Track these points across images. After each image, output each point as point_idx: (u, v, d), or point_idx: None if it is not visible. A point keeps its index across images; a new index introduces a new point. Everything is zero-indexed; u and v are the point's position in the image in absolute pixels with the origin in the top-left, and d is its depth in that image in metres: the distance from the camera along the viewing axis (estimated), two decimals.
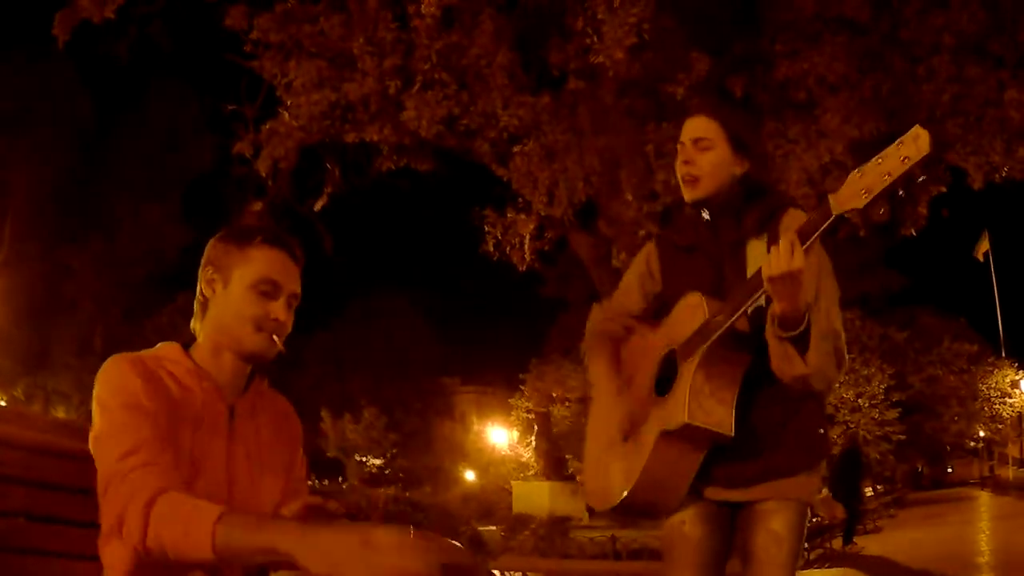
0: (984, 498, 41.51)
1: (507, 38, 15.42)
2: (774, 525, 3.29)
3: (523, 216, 16.80)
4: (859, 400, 47.33)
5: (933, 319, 56.93)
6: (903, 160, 2.72)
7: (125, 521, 2.17)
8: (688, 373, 3.16)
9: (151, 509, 2.14)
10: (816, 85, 14.50)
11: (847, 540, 19.03)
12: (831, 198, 2.88)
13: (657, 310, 3.58)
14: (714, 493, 3.39)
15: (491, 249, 17.46)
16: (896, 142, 2.73)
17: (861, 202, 2.85)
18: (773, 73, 14.85)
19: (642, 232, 14.81)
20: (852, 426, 47.78)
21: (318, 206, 18.58)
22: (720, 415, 3.14)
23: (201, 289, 2.63)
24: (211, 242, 2.67)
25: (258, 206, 18.14)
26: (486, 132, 15.61)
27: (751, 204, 3.37)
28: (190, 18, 18.65)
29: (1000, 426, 57.17)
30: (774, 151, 14.46)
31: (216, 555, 2.05)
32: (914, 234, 16.80)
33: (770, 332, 3.07)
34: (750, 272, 3.18)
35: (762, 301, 3.09)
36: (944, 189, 16.41)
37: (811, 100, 14.65)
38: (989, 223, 53.86)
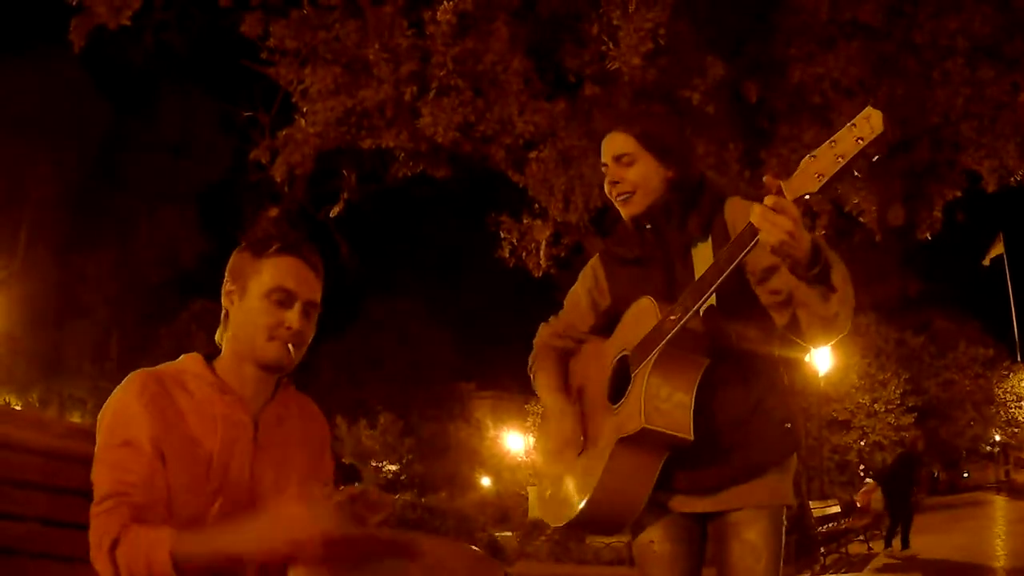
0: (1000, 502, 41.36)
1: (522, 44, 15.43)
2: (749, 535, 3.19)
3: (539, 222, 16.81)
4: (875, 405, 47.20)
5: (948, 323, 56.74)
6: (856, 141, 2.68)
7: (97, 567, 2.27)
8: (643, 377, 3.07)
9: (115, 551, 2.24)
10: (831, 89, 14.50)
11: (904, 544, 18.97)
12: (783, 185, 2.80)
13: (606, 325, 3.49)
14: (680, 504, 3.28)
15: (507, 255, 17.47)
16: (849, 124, 2.72)
17: (815, 186, 2.76)
18: (787, 77, 14.85)
19: None
20: (868, 431, 47.70)
21: (334, 212, 18.60)
22: (678, 418, 3.04)
23: (223, 300, 2.65)
24: (235, 255, 2.68)
25: (274, 212, 18.15)
26: (502, 138, 15.61)
27: (691, 207, 3.30)
28: (205, 24, 18.69)
29: (1016, 430, 56.94)
30: (789, 155, 14.46)
31: (178, 572, 2.19)
32: (929, 238, 16.79)
33: (794, 284, 2.94)
34: (698, 275, 3.09)
35: (713, 300, 3.04)
36: (959, 193, 16.41)
37: (826, 104, 14.65)
38: (1004, 226, 53.61)
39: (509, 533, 30.41)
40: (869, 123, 2.67)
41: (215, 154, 46.22)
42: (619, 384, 3.21)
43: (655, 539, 3.32)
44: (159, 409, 2.42)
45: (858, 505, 19.08)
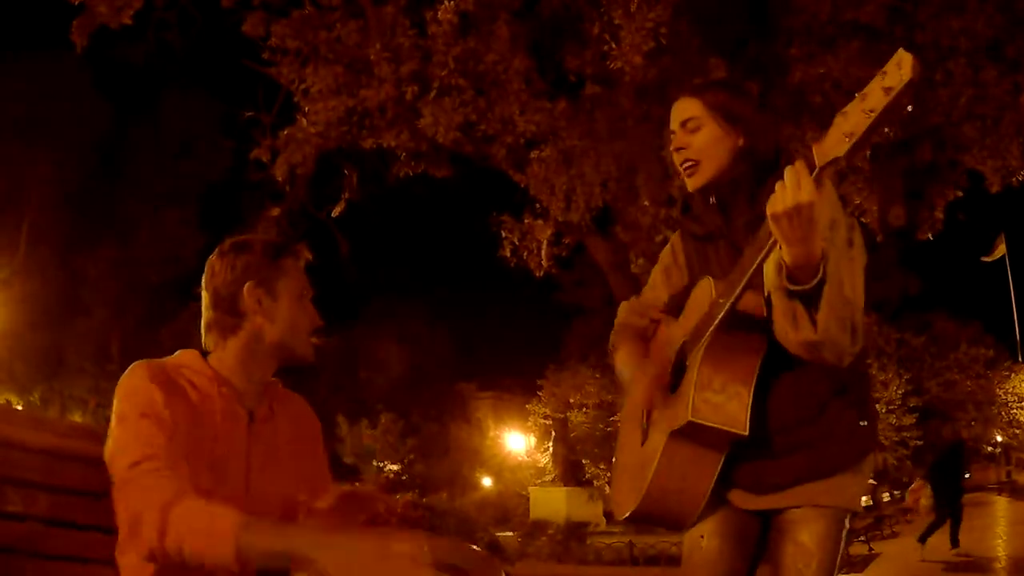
0: (1002, 503, 41.36)
1: (524, 44, 15.44)
2: (802, 537, 2.94)
3: (540, 222, 16.80)
4: (876, 405, 47.23)
5: (950, 324, 56.72)
6: (886, 91, 2.39)
7: (142, 523, 2.19)
8: (694, 367, 2.86)
9: (169, 513, 2.16)
10: (832, 89, 14.49)
11: (953, 543, 17.85)
12: (815, 148, 2.54)
13: (682, 303, 3.20)
14: (742, 500, 3.05)
15: (508, 255, 17.46)
16: (879, 73, 2.42)
17: (843, 148, 2.47)
18: (789, 77, 14.85)
19: (659, 237, 14.82)
20: None
21: (336, 212, 18.59)
22: (731, 411, 2.80)
23: (238, 305, 2.62)
24: (235, 259, 2.66)
25: (275, 212, 18.17)
26: (503, 138, 15.62)
27: (763, 182, 2.94)
28: (207, 24, 18.69)
29: (1017, 431, 56.96)
30: (791, 154, 14.45)
31: (239, 562, 2.10)
32: (931, 238, 16.78)
33: (775, 284, 2.71)
34: (768, 275, 2.80)
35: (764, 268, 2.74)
36: (960, 193, 16.40)
37: (827, 104, 14.64)
38: (1006, 226, 53.64)
39: (510, 533, 30.50)
40: (899, 71, 2.37)
41: (216, 154, 46.21)
42: (679, 373, 3.02)
43: (705, 533, 3.11)
44: (171, 392, 2.44)
45: (907, 505, 18.57)
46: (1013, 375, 56.15)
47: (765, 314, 2.82)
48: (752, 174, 3.04)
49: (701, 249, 3.22)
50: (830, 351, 2.70)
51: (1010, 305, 58.97)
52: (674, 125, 3.14)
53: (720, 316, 2.79)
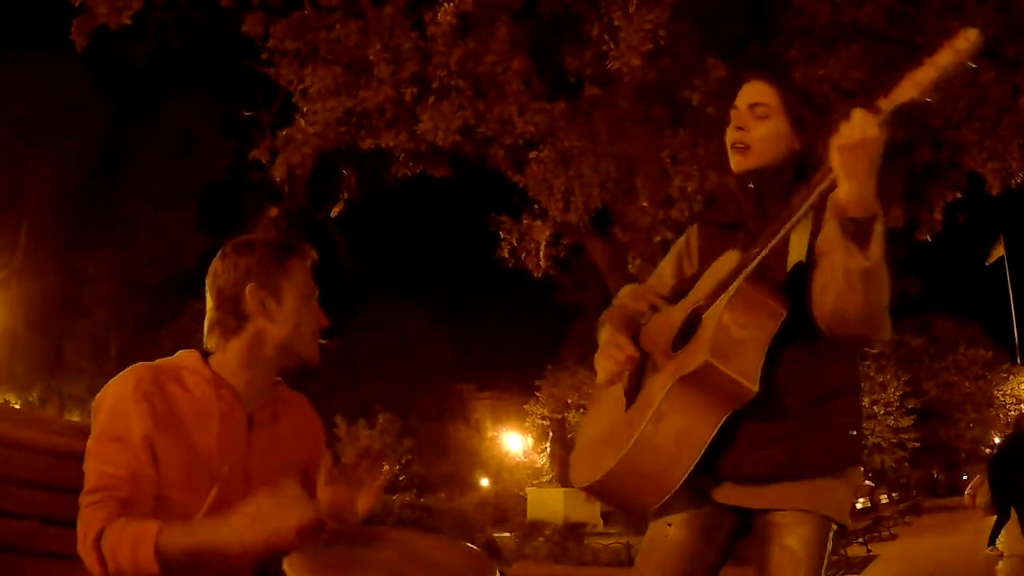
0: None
1: (523, 45, 15.45)
2: (790, 542, 2.87)
3: (539, 222, 16.81)
4: (874, 407, 47.22)
5: (948, 325, 56.76)
6: (956, 53, 2.55)
7: (84, 558, 2.30)
8: (715, 315, 2.80)
9: (100, 542, 2.26)
10: (831, 91, 14.50)
11: (991, 541, 17.08)
12: (881, 98, 2.66)
13: (685, 292, 3.15)
14: (720, 494, 2.97)
15: (507, 255, 17.47)
16: (947, 43, 2.58)
17: (912, 94, 2.66)
18: (788, 78, 14.86)
19: (658, 238, 14.83)
20: (867, 433, 47.71)
21: (334, 212, 18.60)
22: (747, 364, 2.75)
23: (241, 306, 2.62)
24: (238, 260, 2.66)
25: (274, 212, 18.17)
26: (502, 139, 15.62)
27: (800, 184, 2.88)
28: (206, 24, 18.69)
29: None
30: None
31: (163, 567, 2.22)
32: (930, 239, 16.79)
33: (830, 219, 2.67)
34: (791, 260, 2.87)
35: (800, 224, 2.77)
36: (960, 195, 16.41)
37: (826, 105, 14.64)
38: (1005, 228, 53.66)
39: (507, 534, 30.52)
40: (968, 41, 2.53)
41: (216, 154, 46.21)
42: (685, 335, 2.93)
43: (674, 523, 3.04)
44: (152, 405, 2.44)
45: (965, 503, 18.11)
46: (1012, 377, 56.24)
47: (784, 278, 2.86)
48: (794, 176, 3.03)
49: (721, 239, 3.17)
50: (873, 301, 2.68)
51: (1009, 307, 58.91)
52: (741, 103, 3.15)
53: (752, 265, 2.79)
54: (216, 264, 2.68)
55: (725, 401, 2.79)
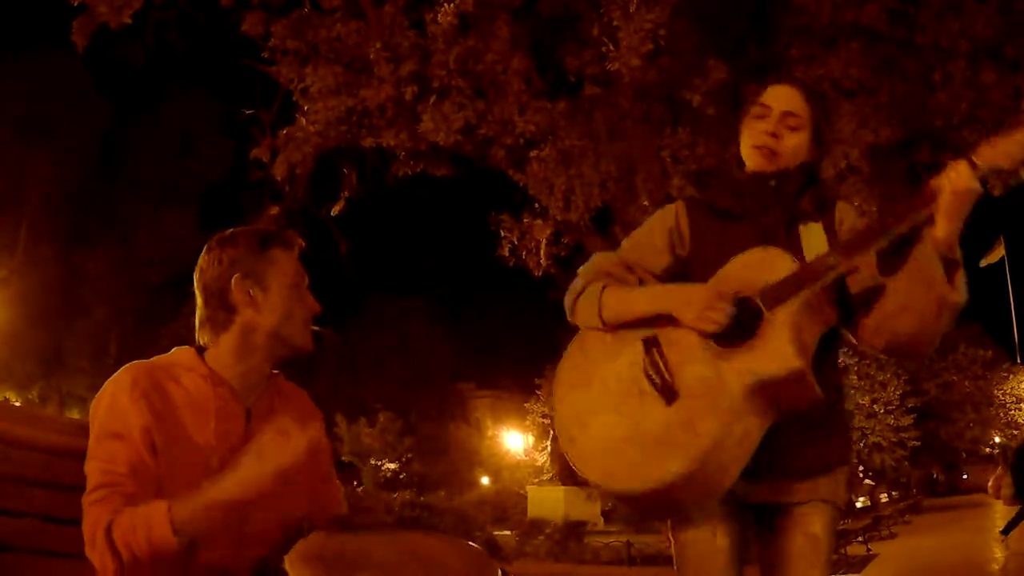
0: (999, 505, 41.31)
1: (523, 44, 15.43)
2: (814, 529, 3.06)
3: (539, 221, 16.80)
4: (874, 406, 47.31)
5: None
6: None
7: (96, 556, 2.30)
8: (786, 316, 2.86)
9: (111, 534, 2.27)
10: (832, 90, 14.49)
11: (1006, 531, 17.19)
12: (982, 150, 2.82)
13: (676, 274, 3.22)
14: (759, 494, 3.07)
15: (507, 254, 17.46)
16: None
17: (1008, 164, 2.82)
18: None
19: None
20: (867, 432, 47.75)
21: (335, 211, 18.58)
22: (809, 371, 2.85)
23: (228, 299, 2.63)
24: (222, 254, 2.67)
25: (275, 211, 18.15)
26: (503, 138, 15.60)
27: (807, 188, 3.20)
28: (207, 23, 18.66)
29: (1016, 432, 56.99)
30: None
31: (179, 537, 2.24)
32: None
33: (927, 253, 2.84)
34: (807, 252, 3.05)
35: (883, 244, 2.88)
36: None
37: (827, 106, 14.65)
38: (1005, 229, 53.57)
39: (508, 532, 30.55)
40: None
41: (216, 153, 46.26)
42: (733, 329, 2.93)
43: (717, 530, 3.07)
44: (150, 402, 2.45)
45: (989, 494, 18.11)
46: (1011, 376, 56.33)
47: (838, 291, 3.02)
48: (801, 182, 3.21)
49: (719, 225, 3.23)
50: (947, 322, 2.91)
51: (1009, 307, 58.90)
52: (776, 107, 3.23)
53: (831, 276, 2.89)
54: (201, 260, 2.69)
55: (789, 405, 2.91)
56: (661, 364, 2.98)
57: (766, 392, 2.85)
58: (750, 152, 3.23)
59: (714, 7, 15.28)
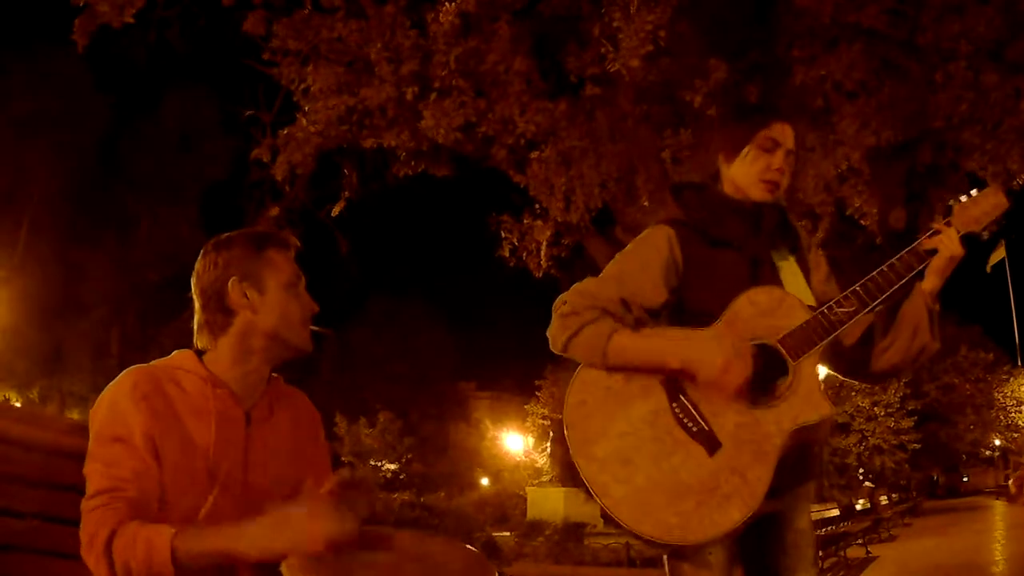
0: (999, 507, 41.42)
1: (524, 45, 15.42)
2: (801, 524, 3.31)
3: (540, 222, 16.79)
4: (875, 408, 47.34)
5: (949, 327, 56.71)
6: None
7: (91, 561, 2.30)
8: (812, 367, 3.08)
9: (111, 545, 2.26)
10: (833, 92, 14.49)
11: None
12: (958, 212, 3.46)
13: (672, 309, 3.29)
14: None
15: (507, 255, 17.45)
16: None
17: (977, 229, 3.48)
18: (790, 80, 14.83)
19: None
20: (867, 434, 47.76)
21: (336, 211, 18.58)
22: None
23: (226, 302, 2.63)
24: (218, 257, 2.68)
25: (275, 211, 18.17)
26: (503, 138, 15.59)
27: (784, 222, 3.46)
28: (208, 23, 18.67)
29: (1016, 435, 57.16)
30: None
31: (178, 569, 2.22)
32: None
33: (919, 306, 3.32)
34: (787, 286, 3.28)
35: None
36: (962, 197, 16.39)
37: (828, 107, 14.64)
38: (1006, 231, 53.56)
39: (507, 533, 30.54)
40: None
41: (216, 152, 46.38)
42: (763, 375, 3.06)
43: (713, 548, 3.13)
44: (151, 406, 2.45)
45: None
46: (1012, 379, 56.35)
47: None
48: (781, 218, 3.48)
49: (714, 255, 3.28)
50: (920, 364, 3.53)
51: (1010, 309, 58.95)
52: (784, 144, 3.38)
53: (847, 323, 3.17)
54: (198, 264, 2.70)
55: (811, 439, 3.18)
56: (695, 412, 3.05)
57: (796, 434, 3.03)
58: (755, 183, 3.33)
59: (715, 8, 15.27)
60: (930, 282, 3.31)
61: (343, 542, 2.23)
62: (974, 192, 3.49)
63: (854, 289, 3.16)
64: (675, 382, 3.09)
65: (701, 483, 2.97)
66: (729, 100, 14.54)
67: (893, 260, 3.25)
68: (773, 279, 3.26)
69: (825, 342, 3.08)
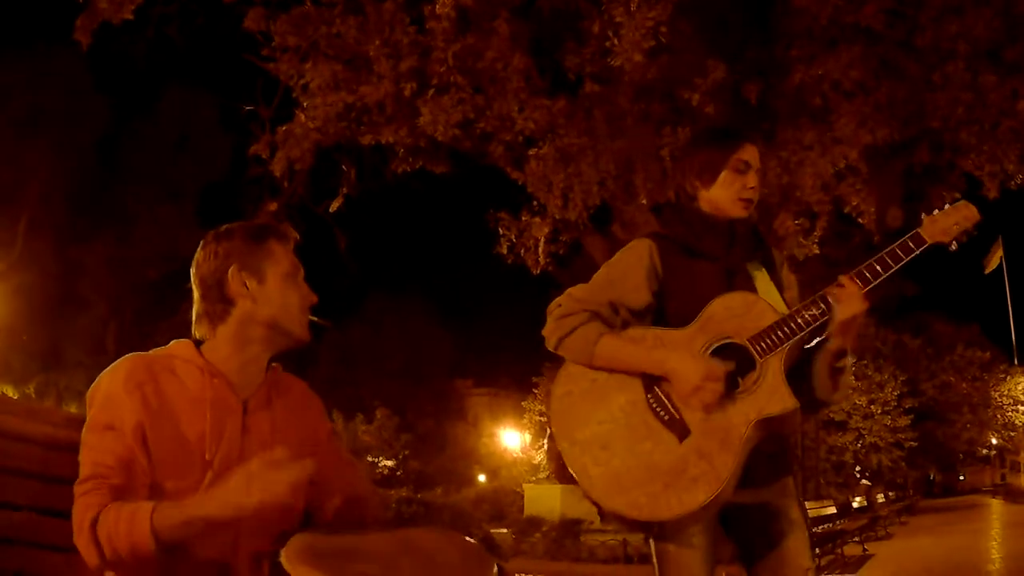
0: (996, 506, 41.47)
1: (523, 41, 15.41)
2: (794, 515, 3.53)
3: (538, 219, 16.78)
4: (872, 406, 47.31)
5: (946, 326, 56.87)
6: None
7: (81, 545, 2.33)
8: (778, 363, 3.31)
9: (96, 528, 2.29)
10: (831, 91, 14.49)
11: None
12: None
13: (653, 313, 3.60)
14: (745, 497, 3.42)
15: (505, 252, 17.45)
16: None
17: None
18: (788, 79, 14.84)
19: None
20: (864, 432, 47.75)
21: (334, 207, 18.59)
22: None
23: (225, 290, 2.65)
24: (218, 247, 2.70)
25: (274, 207, 18.17)
26: (502, 135, 15.58)
27: (757, 236, 3.78)
28: (207, 19, 18.66)
29: (1012, 434, 57.17)
30: (789, 157, 14.46)
31: (159, 544, 2.25)
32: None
33: (825, 363, 3.49)
34: (760, 290, 3.57)
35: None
36: (959, 196, 16.38)
37: (826, 106, 14.64)
38: (1003, 230, 53.61)
39: (504, 530, 30.47)
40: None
41: (215, 149, 46.35)
42: (735, 370, 3.37)
43: (696, 532, 3.40)
44: (144, 396, 2.47)
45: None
46: (1009, 378, 56.35)
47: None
48: (753, 232, 3.78)
49: (692, 265, 3.59)
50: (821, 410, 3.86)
51: (1007, 308, 59.00)
52: (754, 165, 3.64)
53: (813, 326, 3.40)
54: (198, 254, 2.73)
55: (777, 430, 3.41)
56: (667, 403, 3.34)
57: (764, 425, 3.29)
58: (734, 202, 3.62)
59: (715, 7, 15.28)
60: (834, 342, 3.44)
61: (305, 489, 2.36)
62: (946, 206, 3.52)
63: (814, 298, 3.41)
64: (654, 377, 3.39)
65: (670, 467, 3.25)
66: (727, 98, 14.56)
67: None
68: (748, 287, 3.55)
69: (790, 343, 3.33)
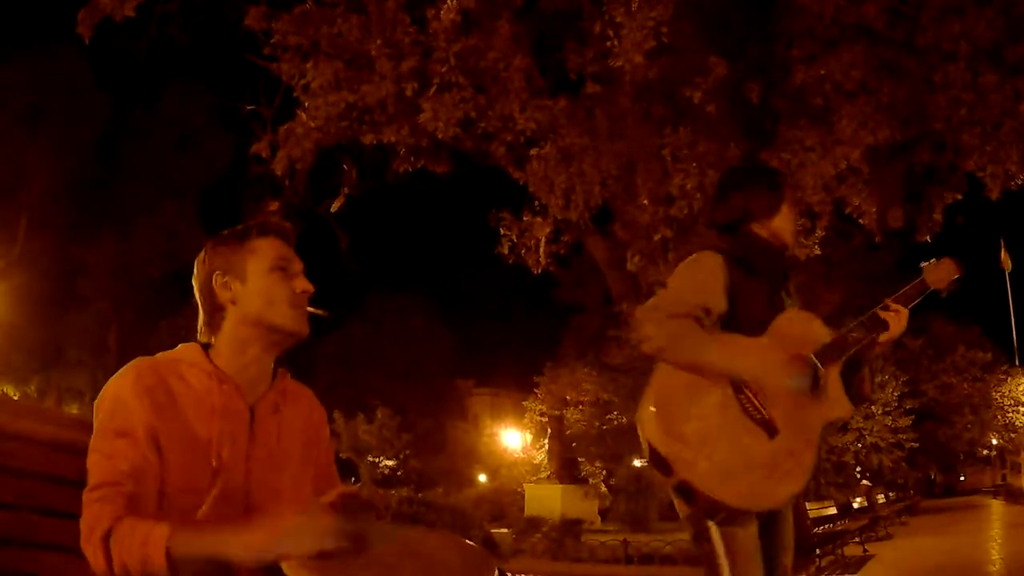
0: (996, 506, 41.43)
1: (525, 42, 15.43)
2: (788, 512, 4.00)
3: (539, 219, 16.79)
4: (872, 407, 47.19)
5: (947, 327, 56.75)
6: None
7: (88, 552, 2.29)
8: (836, 374, 3.80)
9: (109, 540, 2.25)
10: (832, 91, 14.48)
11: None
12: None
13: (724, 318, 3.86)
14: None
15: (506, 251, 17.44)
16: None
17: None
18: (790, 79, 14.83)
19: (657, 236, 14.82)
20: (865, 433, 47.72)
21: (335, 207, 18.60)
22: None
23: (214, 298, 2.65)
24: (205, 255, 2.70)
25: (274, 206, 18.16)
26: (503, 135, 15.60)
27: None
28: (209, 17, 18.67)
29: (1013, 435, 57.09)
30: (790, 158, 14.45)
31: (172, 570, 2.21)
32: (929, 240, 16.75)
33: (868, 372, 4.02)
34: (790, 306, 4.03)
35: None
36: (960, 196, 16.38)
37: (827, 106, 14.63)
38: (1005, 230, 53.58)
39: (505, 530, 30.43)
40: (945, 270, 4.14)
41: (216, 148, 46.36)
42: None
43: (752, 530, 3.75)
44: (154, 399, 2.44)
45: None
46: (1010, 379, 56.27)
47: None
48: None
49: (754, 284, 3.94)
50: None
51: (1008, 309, 58.96)
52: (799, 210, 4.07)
53: (859, 345, 3.89)
54: (195, 265, 2.72)
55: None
56: (757, 404, 3.68)
57: (825, 430, 3.77)
58: (793, 231, 4.21)
59: (716, 6, 15.28)
60: (873, 353, 4.01)
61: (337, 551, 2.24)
62: (932, 260, 4.13)
63: (861, 320, 3.93)
64: (741, 381, 3.72)
65: (764, 461, 3.61)
66: (728, 98, 14.55)
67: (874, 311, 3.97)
68: (784, 305, 4.02)
69: (845, 356, 3.83)
